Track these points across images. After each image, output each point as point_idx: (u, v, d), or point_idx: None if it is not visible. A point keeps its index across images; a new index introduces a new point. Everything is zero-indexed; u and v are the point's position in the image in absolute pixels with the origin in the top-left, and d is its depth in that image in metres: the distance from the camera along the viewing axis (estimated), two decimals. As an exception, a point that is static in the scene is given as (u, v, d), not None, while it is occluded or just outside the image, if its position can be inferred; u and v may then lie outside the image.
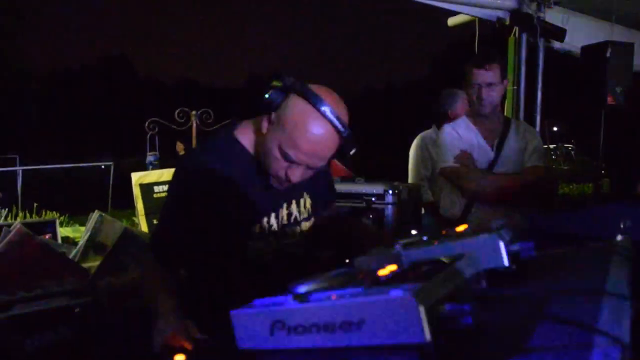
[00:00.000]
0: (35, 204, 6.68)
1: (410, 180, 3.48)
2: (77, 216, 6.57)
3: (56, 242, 2.85)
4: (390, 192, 2.74)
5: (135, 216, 4.57)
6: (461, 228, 1.08)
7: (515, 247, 0.89)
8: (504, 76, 2.34)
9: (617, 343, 0.55)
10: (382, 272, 0.76)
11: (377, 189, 2.76)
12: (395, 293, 0.60)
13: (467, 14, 4.28)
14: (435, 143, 2.86)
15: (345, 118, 1.28)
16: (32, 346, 1.89)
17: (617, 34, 4.32)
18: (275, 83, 1.28)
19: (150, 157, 5.65)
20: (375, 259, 0.94)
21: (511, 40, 4.24)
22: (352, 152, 1.34)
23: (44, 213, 6.58)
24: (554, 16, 4.12)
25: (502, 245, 0.87)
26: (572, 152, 19.47)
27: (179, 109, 5.60)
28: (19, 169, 10.70)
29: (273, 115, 1.30)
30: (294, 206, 1.50)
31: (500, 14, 4.10)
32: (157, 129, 5.72)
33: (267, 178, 1.38)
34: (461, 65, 2.40)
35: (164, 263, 1.39)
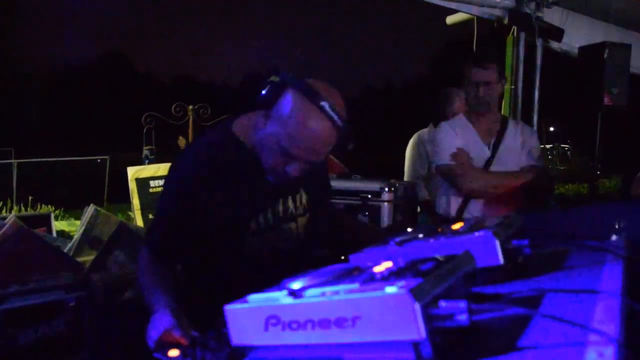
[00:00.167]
0: (30, 198, 6.65)
1: (406, 178, 3.48)
2: (72, 210, 6.54)
3: (51, 235, 2.84)
4: (387, 189, 2.73)
5: (130, 210, 4.56)
6: (457, 226, 1.09)
7: (510, 246, 0.90)
8: (501, 75, 2.35)
9: (611, 341, 0.55)
10: (378, 269, 0.75)
11: (373, 186, 2.76)
12: (391, 290, 0.60)
13: (466, 12, 4.28)
14: (432, 141, 2.86)
15: (343, 112, 1.27)
16: (26, 340, 1.88)
17: (615, 34, 4.34)
18: (272, 78, 1.28)
19: (146, 152, 5.62)
20: (371, 255, 0.94)
21: (509, 39, 4.24)
22: (350, 147, 1.33)
23: (39, 206, 6.56)
24: (552, 16, 4.12)
25: (497, 243, 0.88)
26: (569, 153, 19.49)
27: (176, 104, 5.59)
28: (14, 161, 10.63)
29: (271, 110, 1.29)
30: (290, 201, 1.50)
31: (498, 13, 4.11)
32: (153, 123, 5.71)
33: (265, 173, 1.37)
34: (459, 64, 2.40)
35: (160, 258, 1.39)
